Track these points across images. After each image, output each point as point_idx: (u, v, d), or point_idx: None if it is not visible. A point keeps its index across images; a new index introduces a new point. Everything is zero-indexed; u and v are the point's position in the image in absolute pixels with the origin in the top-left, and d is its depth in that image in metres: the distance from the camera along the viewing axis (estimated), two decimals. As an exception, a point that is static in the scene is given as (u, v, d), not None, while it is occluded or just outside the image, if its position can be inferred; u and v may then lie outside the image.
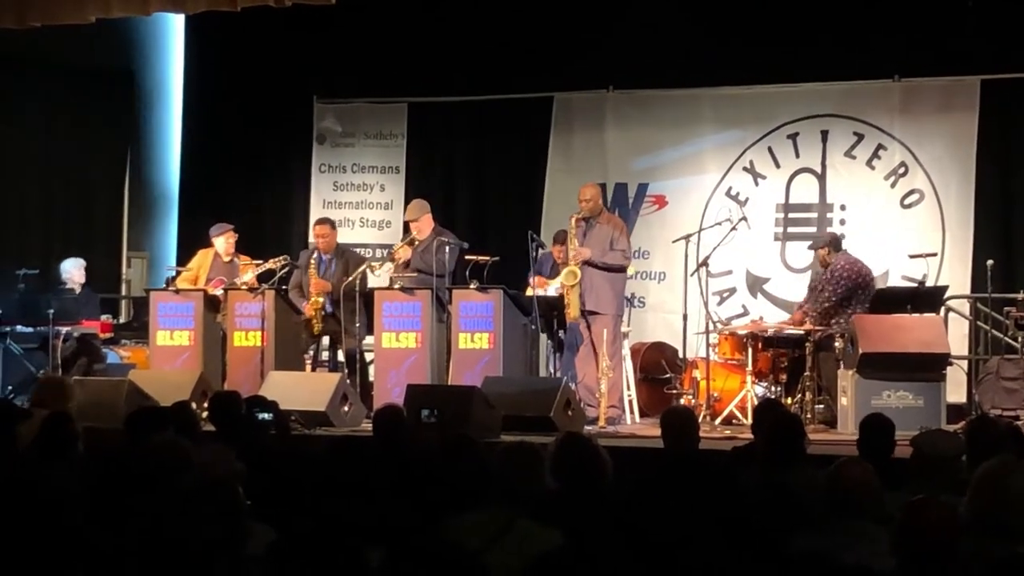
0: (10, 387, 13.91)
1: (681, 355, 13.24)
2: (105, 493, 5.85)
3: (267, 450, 7.99)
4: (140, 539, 4.51)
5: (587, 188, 12.97)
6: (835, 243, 12.83)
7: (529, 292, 12.82)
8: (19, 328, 14.14)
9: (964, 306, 13.80)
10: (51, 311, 13.72)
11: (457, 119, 16.66)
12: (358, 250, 15.17)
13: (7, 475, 6.19)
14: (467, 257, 12.91)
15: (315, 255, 13.37)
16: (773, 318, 13.63)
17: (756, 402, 11.72)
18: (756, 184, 15.16)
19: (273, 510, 5.51)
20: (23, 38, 14.32)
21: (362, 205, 16.92)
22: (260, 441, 8.11)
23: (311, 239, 14.53)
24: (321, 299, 13.07)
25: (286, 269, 13.27)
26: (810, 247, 13.38)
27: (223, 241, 13.82)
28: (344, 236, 15.25)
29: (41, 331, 13.96)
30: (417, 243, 13.03)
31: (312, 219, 16.42)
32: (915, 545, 4.53)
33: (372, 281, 13.55)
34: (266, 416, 8.80)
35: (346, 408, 11.90)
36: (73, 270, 14.77)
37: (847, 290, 12.40)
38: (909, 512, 4.62)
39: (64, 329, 13.94)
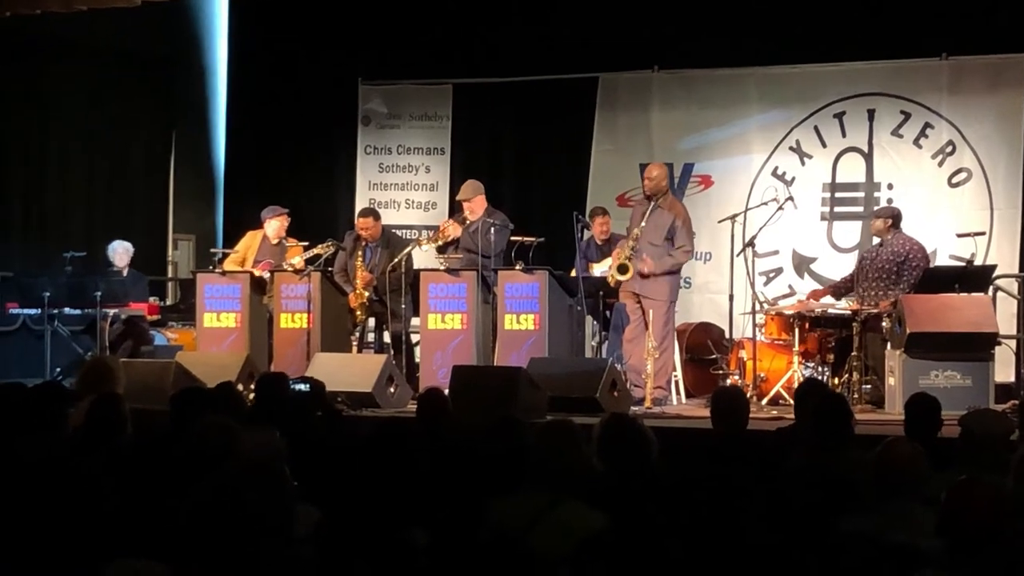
0: (58, 369, 13.98)
1: (727, 335, 13.21)
2: (153, 474, 5.88)
3: (312, 431, 8.02)
4: (189, 520, 4.52)
5: (654, 167, 12.84)
6: (898, 219, 12.67)
7: (574, 273, 12.82)
8: (67, 310, 14.19)
9: (1012, 285, 13.70)
10: (98, 294, 13.76)
11: (502, 100, 16.64)
12: (403, 232, 15.20)
13: (58, 457, 6.24)
14: (512, 238, 12.90)
15: (360, 243, 13.35)
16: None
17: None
18: (802, 164, 15.10)
19: (318, 491, 5.53)
20: (68, 22, 14.40)
21: (407, 187, 16.94)
22: (305, 422, 8.12)
23: (356, 221, 14.54)
24: (367, 293, 13.09)
25: (332, 252, 13.29)
26: (874, 213, 13.24)
27: (276, 224, 13.82)
28: (390, 218, 15.27)
29: (89, 313, 14.01)
30: (468, 223, 13.02)
31: (358, 200, 16.50)
32: (961, 526, 4.51)
33: (418, 260, 13.56)
34: (303, 387, 8.83)
35: (392, 389, 11.92)
36: (120, 251, 14.82)
37: (922, 272, 12.33)
38: (954, 492, 4.59)
39: (111, 311, 13.97)
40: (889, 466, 5.53)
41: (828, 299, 12.88)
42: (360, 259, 13.17)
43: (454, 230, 13.08)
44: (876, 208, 13.79)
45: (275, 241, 13.80)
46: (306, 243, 13.41)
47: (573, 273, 12.86)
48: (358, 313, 13.16)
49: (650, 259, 12.31)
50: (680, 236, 12.47)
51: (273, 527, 4.34)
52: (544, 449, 5.87)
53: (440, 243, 13.09)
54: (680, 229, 12.50)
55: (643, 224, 12.44)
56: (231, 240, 15.12)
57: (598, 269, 13.00)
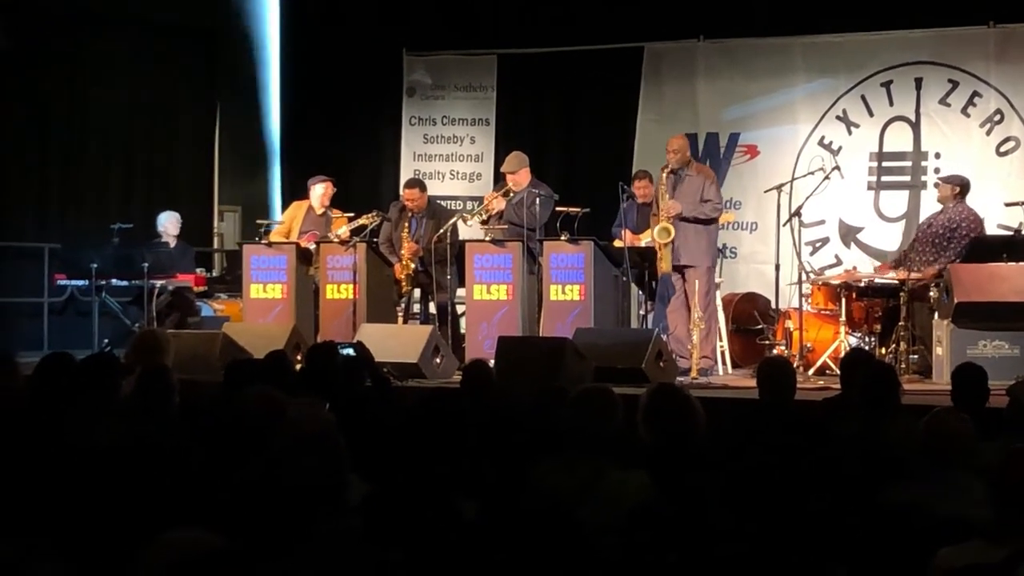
0: (106, 340, 14.04)
1: (774, 306, 13.18)
2: (203, 444, 5.91)
3: (361, 401, 8.04)
4: (244, 490, 4.55)
5: (674, 140, 12.86)
6: (965, 189, 12.55)
7: (617, 244, 12.80)
8: (114, 282, 14.24)
9: (1061, 254, 13.62)
10: (146, 265, 13.80)
11: (547, 70, 16.61)
12: (448, 203, 15.20)
13: (112, 427, 6.27)
14: (557, 209, 12.88)
15: (406, 214, 13.34)
16: (867, 268, 13.51)
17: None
18: (849, 133, 15.03)
19: (366, 462, 5.55)
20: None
21: (452, 158, 16.94)
22: (354, 391, 8.14)
23: (402, 193, 14.53)
24: (413, 264, 13.08)
25: (377, 223, 13.28)
26: (942, 179, 13.13)
27: (321, 189, 13.79)
28: (434, 189, 15.27)
29: (136, 285, 14.06)
30: (512, 195, 13.01)
31: (403, 172, 16.50)
32: (1012, 496, 4.49)
33: (463, 231, 13.56)
34: (349, 352, 8.85)
35: (438, 360, 11.92)
36: (167, 223, 14.87)
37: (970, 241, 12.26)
38: (1006, 462, 4.57)
39: (158, 283, 14.02)
40: (937, 436, 5.51)
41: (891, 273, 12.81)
42: (406, 230, 13.18)
43: (498, 203, 13.06)
44: (940, 175, 13.65)
45: (320, 210, 13.81)
46: (351, 214, 13.42)
47: (617, 243, 12.83)
48: (404, 284, 13.17)
49: (680, 203, 12.35)
50: (709, 193, 12.50)
51: (327, 497, 4.35)
52: (581, 415, 5.86)
53: (485, 216, 13.08)
54: (710, 187, 12.55)
55: (665, 205, 12.38)
56: (277, 212, 15.15)
57: (643, 240, 12.97)
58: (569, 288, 12.40)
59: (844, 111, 15.03)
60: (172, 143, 17.62)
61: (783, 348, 12.65)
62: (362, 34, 17.21)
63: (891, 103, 14.88)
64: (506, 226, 12.92)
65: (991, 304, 11.37)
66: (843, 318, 12.24)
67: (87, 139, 16.80)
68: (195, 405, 7.29)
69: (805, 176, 13.33)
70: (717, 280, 13.12)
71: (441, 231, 12.90)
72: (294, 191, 15.26)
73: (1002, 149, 14.38)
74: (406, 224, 13.22)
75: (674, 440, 5.91)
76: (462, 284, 13.06)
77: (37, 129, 16.36)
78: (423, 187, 13.59)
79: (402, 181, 15.22)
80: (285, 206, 16.15)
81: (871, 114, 14.94)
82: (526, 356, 10.91)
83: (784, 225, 12.62)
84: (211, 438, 6.00)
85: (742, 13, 15.36)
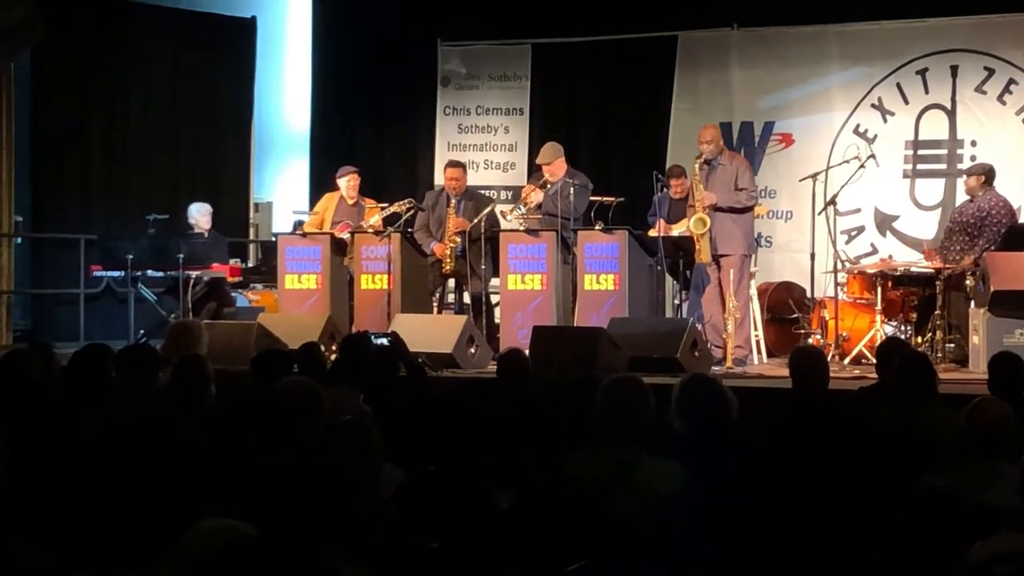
0: (142, 331, 14.09)
1: (809, 294, 13.14)
2: (238, 434, 5.93)
3: (395, 391, 8.06)
4: (278, 480, 4.56)
5: (706, 130, 12.76)
6: (990, 176, 12.53)
7: (651, 233, 12.79)
8: (150, 272, 14.28)
9: (1098, 242, 13.55)
10: (181, 256, 13.84)
11: (581, 60, 16.60)
12: (483, 192, 15.22)
13: (149, 418, 6.30)
14: (592, 198, 12.87)
15: (446, 195, 13.33)
16: (902, 256, 13.47)
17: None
18: (884, 121, 14.98)
19: (401, 451, 5.56)
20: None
21: (486, 147, 16.94)
22: (388, 382, 8.15)
23: (436, 180, 14.52)
24: (458, 239, 13.06)
25: (411, 212, 13.29)
26: (966, 171, 13.11)
27: (346, 182, 13.85)
28: (468, 178, 15.31)
29: (171, 275, 14.10)
30: (549, 186, 12.99)
31: (437, 162, 16.51)
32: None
33: (503, 226, 13.52)
34: (384, 341, 8.88)
35: (472, 350, 11.93)
36: (198, 214, 14.91)
37: (1005, 229, 12.20)
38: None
39: (194, 273, 14.05)
40: (980, 425, 5.49)
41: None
42: (452, 207, 13.13)
43: (536, 197, 13.03)
44: (968, 165, 13.60)
45: (351, 201, 13.83)
46: (384, 204, 13.44)
47: (652, 232, 12.82)
48: (447, 263, 13.07)
49: (715, 193, 12.30)
50: (743, 181, 12.45)
51: (361, 487, 4.36)
52: (610, 405, 5.85)
53: (524, 210, 13.06)
54: (744, 175, 12.49)
55: (700, 196, 12.32)
56: (312, 202, 15.17)
57: (676, 231, 12.95)
58: (604, 278, 12.38)
59: (879, 99, 14.98)
60: (210, 133, 17.64)
61: (818, 337, 12.62)
62: (396, 24, 17.23)
63: (927, 91, 14.82)
64: (541, 216, 12.91)
65: (1028, 293, 11.32)
66: (879, 307, 12.22)
67: (126, 130, 16.85)
68: (231, 396, 7.31)
69: (840, 164, 13.27)
70: (752, 269, 13.08)
71: (476, 220, 12.89)
72: (323, 182, 15.26)
73: (1038, 136, 14.34)
74: (453, 203, 13.17)
75: (707, 430, 5.90)
76: (496, 274, 13.06)
77: (78, 120, 16.43)
78: (465, 169, 13.62)
79: (437, 170, 15.20)
80: (313, 197, 16.19)
81: (906, 102, 14.89)
82: (561, 346, 10.90)
83: (819, 214, 12.59)
84: (247, 428, 6.02)
85: (777, 1, 15.32)
